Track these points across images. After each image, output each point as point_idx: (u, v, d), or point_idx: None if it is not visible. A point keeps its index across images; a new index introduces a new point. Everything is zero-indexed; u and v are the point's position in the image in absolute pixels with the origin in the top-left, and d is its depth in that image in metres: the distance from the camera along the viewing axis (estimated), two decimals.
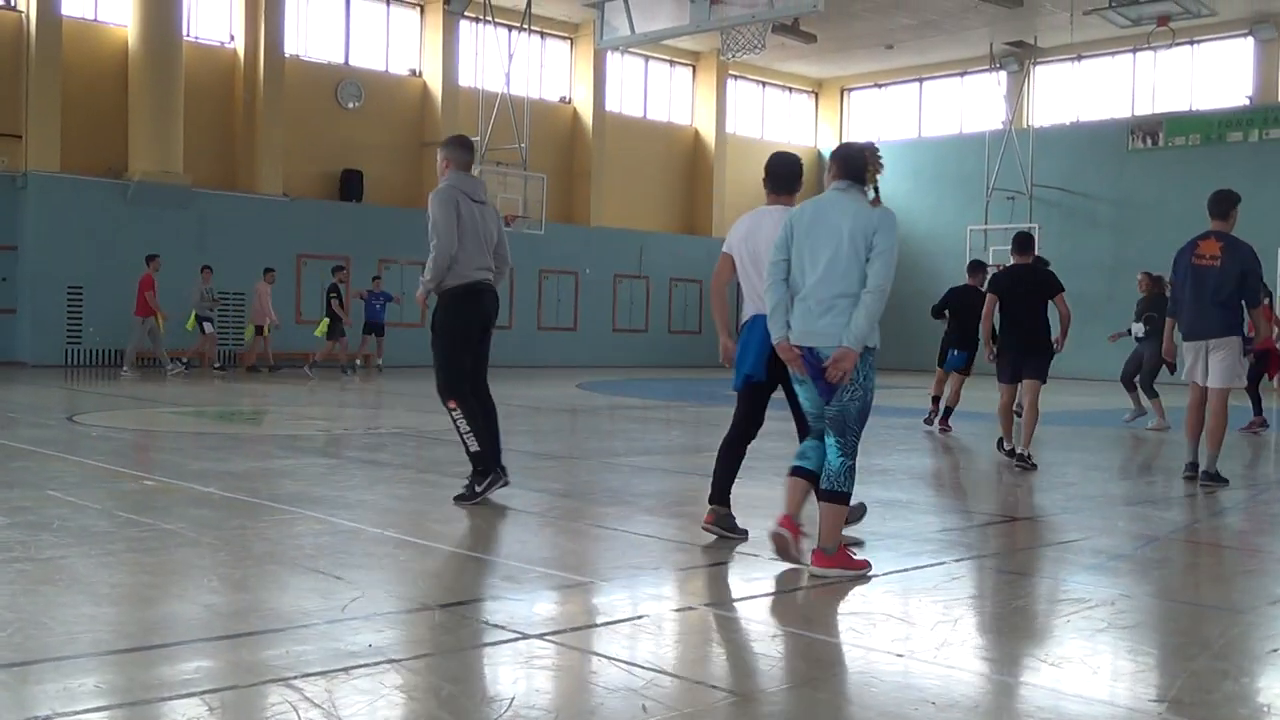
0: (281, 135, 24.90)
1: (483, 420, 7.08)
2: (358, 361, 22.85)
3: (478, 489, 6.98)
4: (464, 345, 7.13)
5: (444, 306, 7.14)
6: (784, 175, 6.52)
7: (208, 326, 21.68)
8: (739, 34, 18.56)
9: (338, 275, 22.44)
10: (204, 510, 6.65)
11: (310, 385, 18.87)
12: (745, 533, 6.06)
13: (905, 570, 5.54)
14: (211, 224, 23.59)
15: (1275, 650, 4.24)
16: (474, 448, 7.01)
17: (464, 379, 7.11)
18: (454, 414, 7.05)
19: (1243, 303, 8.62)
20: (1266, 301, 10.15)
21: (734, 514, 6.09)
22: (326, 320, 22.06)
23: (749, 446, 6.23)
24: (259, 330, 22.39)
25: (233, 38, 24.95)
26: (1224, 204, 8.87)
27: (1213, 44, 28.67)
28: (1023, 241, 10.55)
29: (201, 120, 24.14)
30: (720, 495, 6.09)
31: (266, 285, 22.32)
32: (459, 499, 6.96)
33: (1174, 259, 9.04)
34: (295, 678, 3.58)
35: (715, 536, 6.02)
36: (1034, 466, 9.42)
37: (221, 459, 9.07)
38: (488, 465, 7.02)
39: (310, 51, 26.13)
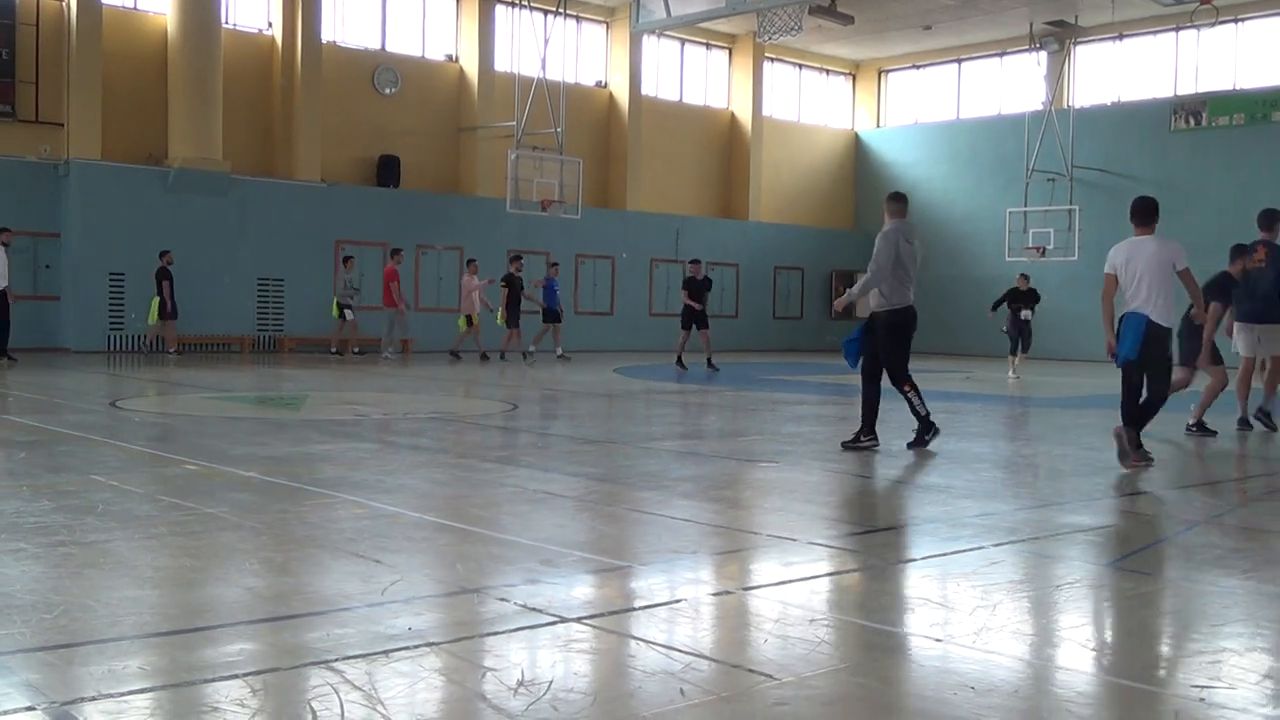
0: (319, 121, 25.03)
1: (920, 395, 9.51)
2: (532, 347, 23.12)
3: (926, 437, 9.47)
4: (908, 347, 9.62)
5: (891, 324, 9.50)
6: (1142, 210, 8.92)
7: (349, 314, 22.43)
8: (776, 16, 18.47)
9: (514, 265, 22.70)
10: (245, 494, 6.71)
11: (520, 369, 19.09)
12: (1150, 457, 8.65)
13: (944, 555, 5.52)
14: (251, 210, 23.77)
15: None
16: (923, 412, 9.47)
17: (908, 369, 9.54)
18: (909, 394, 9.44)
19: None
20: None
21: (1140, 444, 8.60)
22: (499, 310, 22.34)
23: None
24: (470, 321, 22.70)
25: (270, 25, 25.08)
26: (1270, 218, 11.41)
27: (1258, 21, 28.22)
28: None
29: (240, 107, 24.30)
30: (1129, 419, 8.64)
31: (473, 277, 22.69)
32: (913, 445, 9.45)
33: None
34: (336, 660, 3.61)
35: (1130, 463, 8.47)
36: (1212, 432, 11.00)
37: (262, 444, 9.15)
38: (928, 424, 9.51)
39: (347, 38, 26.22)
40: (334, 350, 22.94)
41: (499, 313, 22.40)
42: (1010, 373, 21.20)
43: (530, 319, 23.40)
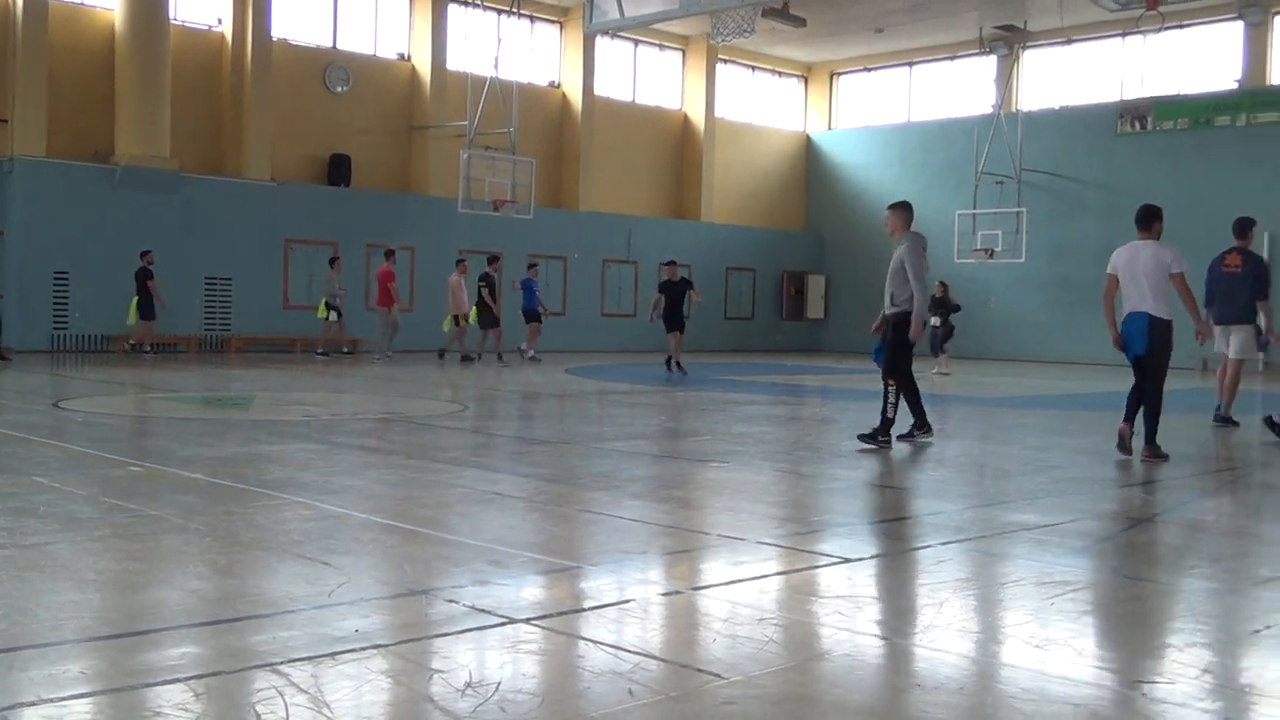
0: (269, 119, 24.81)
1: (899, 398, 9.90)
2: (527, 349, 23.27)
3: (880, 439, 9.66)
4: (911, 348, 10.02)
5: (901, 324, 9.87)
6: (1144, 216, 9.46)
7: (333, 315, 22.62)
8: (729, 18, 18.52)
9: (492, 265, 22.59)
10: (190, 496, 6.64)
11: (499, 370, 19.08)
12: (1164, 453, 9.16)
13: (891, 554, 5.56)
14: (199, 209, 23.51)
15: (1258, 631, 4.26)
16: (890, 415, 9.75)
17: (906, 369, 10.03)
18: (890, 389, 9.80)
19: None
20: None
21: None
22: (474, 309, 22.19)
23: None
24: (457, 321, 22.61)
25: (220, 21, 24.82)
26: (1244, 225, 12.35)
27: (1201, 28, 28.68)
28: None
29: (188, 104, 24.04)
30: (1129, 417, 9.39)
31: (459, 277, 22.55)
32: (863, 436, 9.72)
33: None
34: (281, 663, 3.58)
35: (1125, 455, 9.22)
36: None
37: (208, 444, 9.06)
38: (886, 428, 9.77)
39: (298, 35, 26.02)
40: (320, 351, 22.98)
41: (472, 313, 22.32)
42: (934, 370, 21.60)
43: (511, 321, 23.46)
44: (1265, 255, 25.35)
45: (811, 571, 5.23)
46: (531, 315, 23.10)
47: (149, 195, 22.73)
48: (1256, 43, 27.77)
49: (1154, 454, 9.16)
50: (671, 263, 21.35)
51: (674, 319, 20.56)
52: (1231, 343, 12.12)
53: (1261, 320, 12.37)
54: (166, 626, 4.01)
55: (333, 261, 23.17)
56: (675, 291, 20.62)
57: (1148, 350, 9.09)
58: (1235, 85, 27.93)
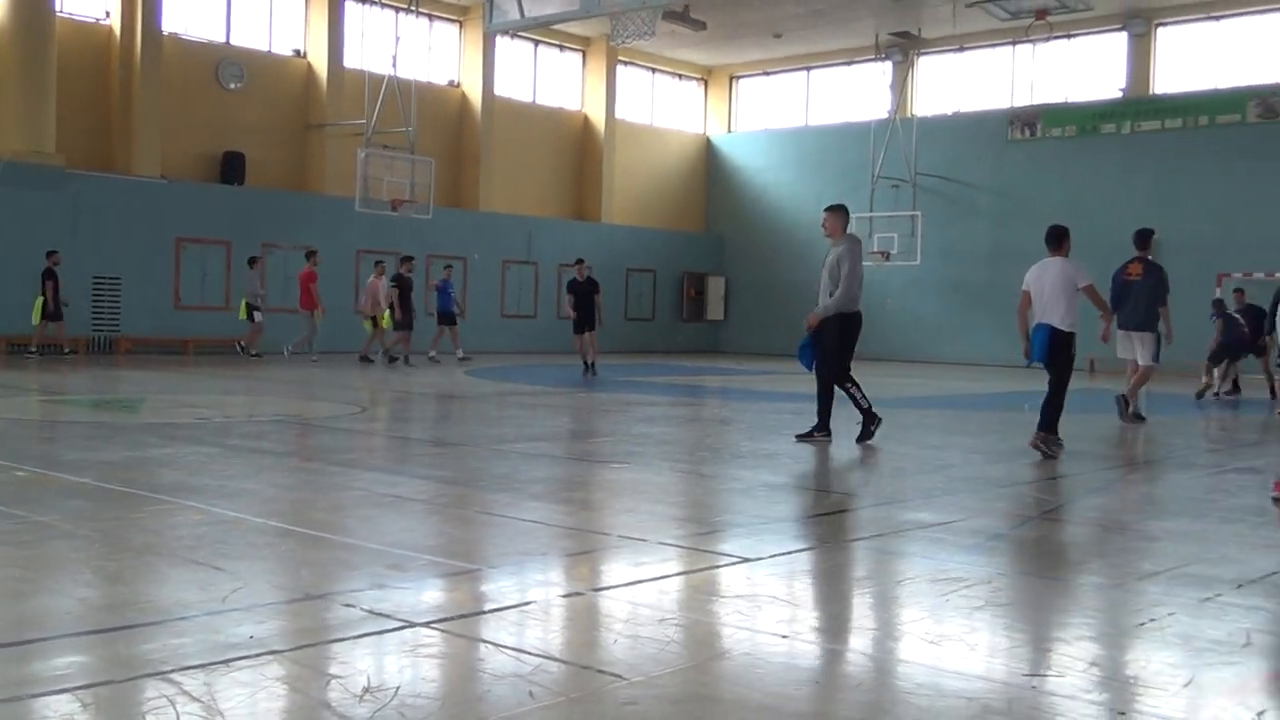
0: (160, 116, 24.23)
1: (861, 390, 10.24)
2: (432, 352, 23.16)
3: (871, 429, 10.18)
4: (853, 349, 10.30)
5: (844, 326, 10.15)
6: (1052, 236, 10.08)
7: (257, 315, 22.33)
8: (629, 20, 18.56)
9: (404, 266, 22.21)
10: (78, 501, 6.47)
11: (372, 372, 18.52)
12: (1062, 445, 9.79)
13: (790, 553, 5.62)
14: (86, 206, 22.87)
15: (1143, 624, 4.39)
16: (865, 405, 10.18)
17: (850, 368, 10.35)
18: (851, 390, 10.17)
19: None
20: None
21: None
22: (387, 311, 21.85)
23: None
24: (375, 323, 22.31)
25: (108, 14, 24.18)
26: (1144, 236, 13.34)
27: (1088, 38, 29.48)
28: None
29: (75, 99, 23.38)
30: (1048, 426, 9.75)
31: (379, 279, 22.15)
32: (861, 439, 10.13)
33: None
34: (173, 671, 3.50)
35: (1040, 454, 9.53)
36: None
37: (97, 448, 8.82)
38: (871, 416, 10.20)
39: (190, 29, 25.46)
40: (242, 347, 22.71)
41: (387, 314, 22.07)
42: None
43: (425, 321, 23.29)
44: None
45: (712, 571, 5.26)
46: (446, 317, 22.99)
47: (33, 192, 22.04)
48: (1140, 53, 28.64)
49: (1046, 441, 9.63)
50: (580, 261, 21.21)
51: (582, 319, 20.41)
52: (1140, 350, 13.01)
53: (1162, 326, 13.20)
54: (54, 635, 3.90)
55: (252, 262, 22.72)
56: (583, 291, 20.48)
57: (1049, 358, 9.74)
58: (1120, 94, 28.77)
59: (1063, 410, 9.84)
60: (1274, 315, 15.06)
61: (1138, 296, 12.85)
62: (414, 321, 22.42)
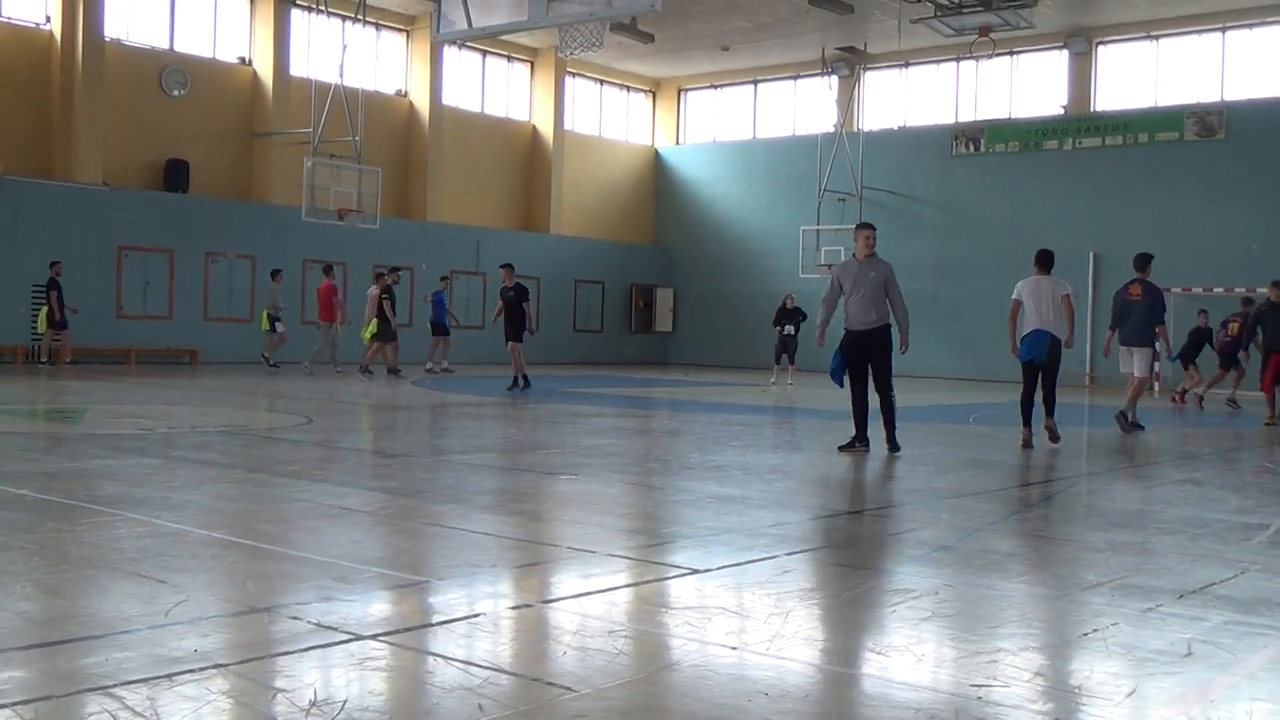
0: (102, 122, 23.92)
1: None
2: (429, 364, 23.38)
3: (895, 439, 10.83)
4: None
5: (887, 339, 10.91)
6: (1043, 260, 11.96)
7: (279, 326, 22.61)
8: (577, 31, 18.57)
9: (391, 276, 22.01)
10: (16, 513, 6.35)
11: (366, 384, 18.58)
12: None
13: (739, 564, 5.63)
14: (25, 213, 22.52)
15: (1087, 634, 4.44)
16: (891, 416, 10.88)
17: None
18: (893, 398, 10.85)
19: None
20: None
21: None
22: (375, 322, 21.51)
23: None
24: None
25: (48, 19, 23.86)
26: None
27: (1030, 55, 29.92)
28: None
29: (15, 105, 23.04)
30: (1053, 411, 11.86)
31: (379, 289, 21.73)
32: (891, 450, 10.70)
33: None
34: (115, 686, 3.44)
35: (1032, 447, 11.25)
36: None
37: (36, 459, 8.68)
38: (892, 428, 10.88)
39: (132, 35, 25.17)
40: (265, 357, 22.88)
41: (370, 325, 21.74)
42: (772, 381, 22.89)
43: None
44: (1090, 272, 26.69)
45: (661, 583, 5.26)
46: (439, 328, 23.08)
47: None
48: (1080, 71, 29.09)
49: (1053, 425, 11.78)
50: (507, 266, 19.73)
51: (511, 329, 19.22)
52: (1136, 363, 14.14)
53: (1160, 344, 14.67)
54: None
55: (275, 274, 23.02)
56: (511, 299, 19.19)
57: (1050, 358, 11.72)
58: (1061, 111, 29.20)
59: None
60: (1252, 334, 17.10)
61: (1137, 315, 13.92)
62: (397, 333, 21.97)
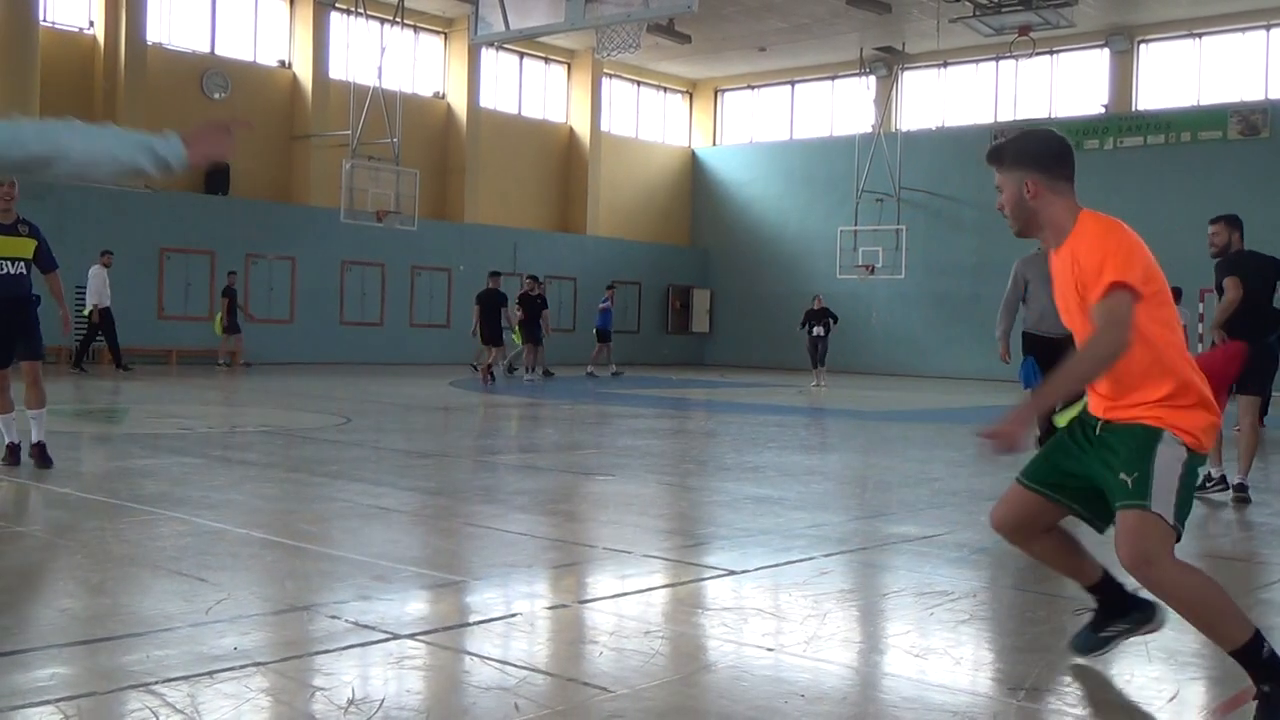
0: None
1: None
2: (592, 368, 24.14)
3: None
4: None
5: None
6: None
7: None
8: (614, 33, 18.59)
9: (529, 285, 22.35)
10: (60, 512, 6.43)
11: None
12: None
13: (776, 565, 5.62)
14: (70, 216, 22.78)
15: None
16: None
17: None
18: None
19: None
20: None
21: None
22: (520, 325, 22.01)
23: None
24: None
25: (92, 24, 24.14)
26: None
27: (1071, 54, 29.67)
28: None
29: (59, 108, 23.26)
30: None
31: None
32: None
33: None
34: (156, 683, 3.48)
35: None
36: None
37: (79, 458, 8.78)
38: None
39: (174, 40, 25.42)
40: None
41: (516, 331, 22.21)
42: (813, 384, 22.75)
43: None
44: None
45: (697, 584, 5.26)
46: (603, 335, 24.35)
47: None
48: (1122, 70, 28.82)
49: None
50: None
51: (488, 331, 20.80)
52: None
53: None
54: (36, 646, 3.87)
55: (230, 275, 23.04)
56: (489, 304, 20.90)
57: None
58: (1102, 110, 28.94)
59: None
60: None
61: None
62: (542, 337, 22.38)
